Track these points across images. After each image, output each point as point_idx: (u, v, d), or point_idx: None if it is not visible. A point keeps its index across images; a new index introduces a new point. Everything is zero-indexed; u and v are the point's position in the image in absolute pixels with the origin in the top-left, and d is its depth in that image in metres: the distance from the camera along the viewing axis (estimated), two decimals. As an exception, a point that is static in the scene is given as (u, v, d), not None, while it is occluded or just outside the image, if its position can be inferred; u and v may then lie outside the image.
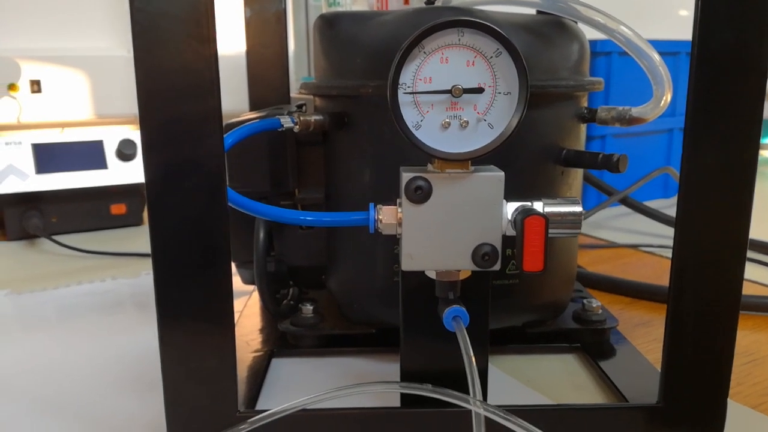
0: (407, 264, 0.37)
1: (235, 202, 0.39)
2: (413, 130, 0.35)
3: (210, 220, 0.36)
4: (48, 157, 0.91)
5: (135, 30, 0.33)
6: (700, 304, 0.38)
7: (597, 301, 0.55)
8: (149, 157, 0.35)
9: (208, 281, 0.36)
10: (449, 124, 0.35)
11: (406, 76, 0.35)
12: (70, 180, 0.92)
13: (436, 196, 0.36)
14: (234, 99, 1.00)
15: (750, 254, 0.80)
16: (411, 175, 0.36)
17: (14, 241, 0.90)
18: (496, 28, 0.34)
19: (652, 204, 1.01)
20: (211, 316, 0.37)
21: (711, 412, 0.40)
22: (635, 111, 0.47)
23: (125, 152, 0.95)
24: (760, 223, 0.96)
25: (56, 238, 0.88)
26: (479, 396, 0.32)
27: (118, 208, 0.96)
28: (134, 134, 0.98)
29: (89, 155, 0.94)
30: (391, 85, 0.34)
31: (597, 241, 0.90)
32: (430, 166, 0.37)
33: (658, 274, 0.73)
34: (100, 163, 0.94)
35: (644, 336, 0.57)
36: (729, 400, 0.45)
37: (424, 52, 0.34)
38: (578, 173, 0.51)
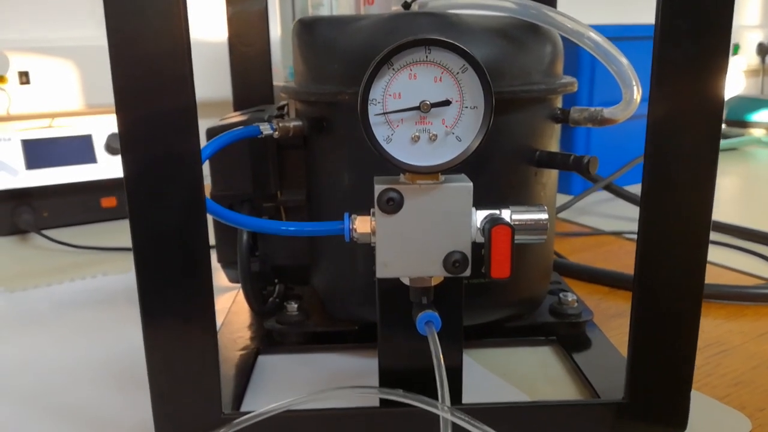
0: (381, 272, 0.39)
1: (215, 213, 0.40)
2: (384, 144, 0.36)
3: (189, 231, 0.37)
4: (37, 153, 0.92)
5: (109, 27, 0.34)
6: (663, 292, 0.39)
7: (573, 294, 0.56)
8: (129, 173, 0.36)
9: (189, 289, 0.38)
10: (419, 137, 0.36)
11: (376, 92, 0.36)
12: (60, 175, 0.93)
13: (408, 207, 0.38)
14: (218, 87, 1.01)
15: (731, 240, 0.82)
16: (383, 186, 0.37)
17: (4, 237, 0.91)
18: (461, 46, 0.35)
19: (639, 188, 1.02)
20: (194, 322, 0.39)
21: (675, 405, 0.41)
22: (607, 112, 0.49)
23: (114, 146, 0.96)
24: (744, 208, 0.98)
25: (47, 232, 0.89)
26: (447, 401, 0.34)
27: (108, 201, 0.97)
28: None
29: (78, 150, 0.95)
30: (362, 101, 0.35)
31: (581, 228, 0.91)
32: (402, 177, 0.38)
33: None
34: (89, 157, 0.95)
35: (620, 327, 0.58)
36: (696, 392, 0.47)
37: (393, 69, 0.36)
38: (552, 173, 0.52)
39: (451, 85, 0.36)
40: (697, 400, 0.46)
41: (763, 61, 2.11)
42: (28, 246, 0.88)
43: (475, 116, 0.36)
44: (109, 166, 0.96)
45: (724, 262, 0.74)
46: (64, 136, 0.95)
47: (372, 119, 0.36)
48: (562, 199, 0.99)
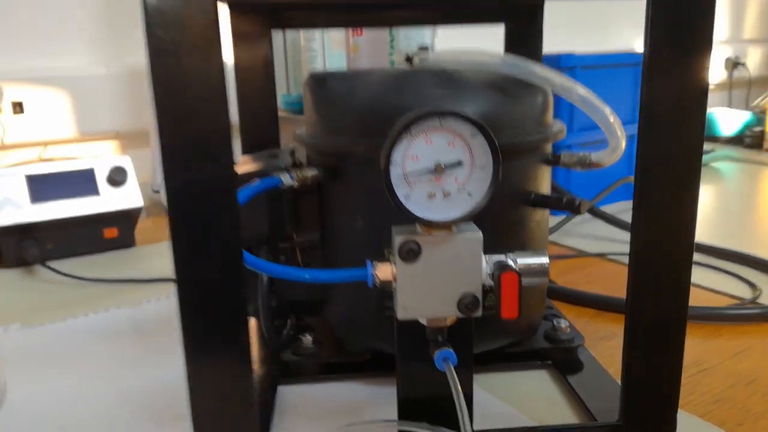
0: (402, 314, 0.43)
1: (252, 265, 0.44)
2: (403, 201, 0.41)
3: (229, 281, 0.41)
4: (41, 187, 0.95)
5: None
6: (653, 319, 0.44)
7: (566, 321, 0.61)
8: (176, 234, 0.40)
9: (229, 338, 0.42)
10: (434, 194, 0.41)
11: (397, 155, 0.40)
12: (64, 208, 0.95)
13: (425, 255, 0.42)
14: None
15: (705, 260, 0.87)
16: (403, 238, 0.42)
17: (11, 269, 0.94)
18: (471, 117, 0.39)
19: (617, 206, 1.09)
20: (234, 366, 0.42)
21: (663, 425, 0.46)
22: (594, 156, 0.54)
23: (116, 179, 0.99)
24: (716, 226, 1.04)
25: (52, 264, 0.92)
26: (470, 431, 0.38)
27: (110, 232, 1.00)
28: (124, 160, 1.02)
29: (81, 183, 0.97)
30: (384, 164, 0.40)
31: (565, 250, 0.96)
32: (418, 227, 0.43)
33: (623, 283, 0.79)
34: (91, 190, 0.98)
35: (608, 349, 0.63)
36: (680, 410, 0.51)
37: (411, 135, 0.40)
38: (545, 210, 0.57)
39: (462, 149, 0.40)
40: (681, 417, 0.51)
41: (730, 75, 2.20)
42: (35, 279, 0.91)
43: (484, 174, 0.41)
44: (111, 198, 0.99)
45: (699, 281, 0.80)
46: (67, 171, 0.98)
47: (394, 180, 0.40)
48: (546, 221, 1.04)
